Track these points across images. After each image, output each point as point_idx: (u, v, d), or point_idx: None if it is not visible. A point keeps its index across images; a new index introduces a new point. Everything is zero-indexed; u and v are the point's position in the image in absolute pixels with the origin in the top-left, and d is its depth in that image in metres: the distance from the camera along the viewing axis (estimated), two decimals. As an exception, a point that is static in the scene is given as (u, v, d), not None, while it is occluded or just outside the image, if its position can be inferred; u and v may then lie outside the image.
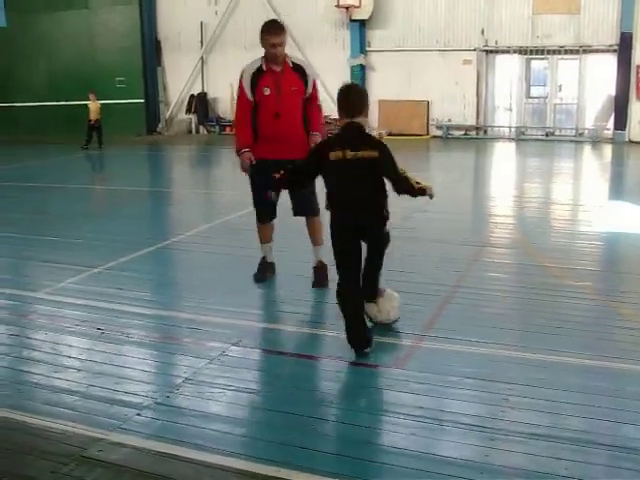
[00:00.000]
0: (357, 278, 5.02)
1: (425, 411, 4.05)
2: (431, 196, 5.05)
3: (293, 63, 6.49)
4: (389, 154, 4.86)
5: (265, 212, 6.65)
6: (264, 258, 6.85)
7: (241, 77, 6.45)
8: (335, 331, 5.25)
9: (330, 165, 4.88)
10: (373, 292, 5.22)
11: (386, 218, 5.03)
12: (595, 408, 4.08)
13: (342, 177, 4.88)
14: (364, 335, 4.93)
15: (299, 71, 6.48)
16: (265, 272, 6.80)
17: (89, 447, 3.70)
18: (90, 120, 21.52)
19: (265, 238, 6.81)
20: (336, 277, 5.09)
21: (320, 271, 6.56)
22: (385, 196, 4.98)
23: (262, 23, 6.49)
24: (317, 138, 6.42)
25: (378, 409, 4.20)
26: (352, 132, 4.87)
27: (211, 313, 5.84)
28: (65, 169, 17.75)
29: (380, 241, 5.12)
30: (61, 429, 3.91)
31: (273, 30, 6.31)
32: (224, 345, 5.12)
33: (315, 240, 6.64)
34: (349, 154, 4.78)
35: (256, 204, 6.67)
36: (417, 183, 4.95)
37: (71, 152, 20.94)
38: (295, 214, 6.62)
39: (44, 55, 26.85)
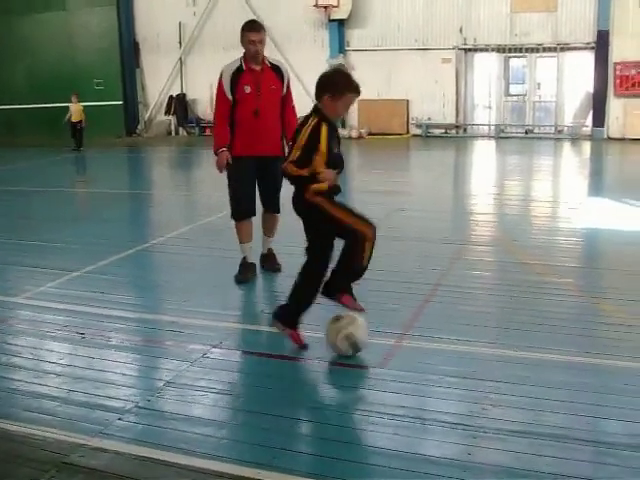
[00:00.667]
0: None
1: (407, 410, 4.04)
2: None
3: (271, 63, 6.64)
4: None
5: (241, 209, 6.72)
6: (244, 259, 6.85)
7: (221, 77, 6.54)
8: (316, 332, 5.24)
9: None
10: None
11: None
12: (577, 404, 4.09)
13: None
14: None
15: (277, 71, 6.66)
16: (247, 273, 6.80)
17: (70, 453, 3.67)
18: (72, 122, 21.53)
19: (244, 237, 6.83)
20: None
21: (272, 257, 7.06)
22: None
23: (241, 24, 6.58)
24: None
25: (360, 409, 4.18)
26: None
27: (192, 315, 5.81)
28: (45, 172, 17.61)
29: None
30: (42, 435, 3.87)
31: (254, 28, 6.49)
32: (205, 347, 5.10)
33: (273, 233, 7.02)
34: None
35: (233, 201, 6.74)
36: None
37: (50, 154, 20.82)
38: (267, 209, 6.88)
39: (23, 57, 26.68)
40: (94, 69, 25.64)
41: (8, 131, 26.30)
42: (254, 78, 6.48)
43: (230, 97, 6.48)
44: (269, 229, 7.00)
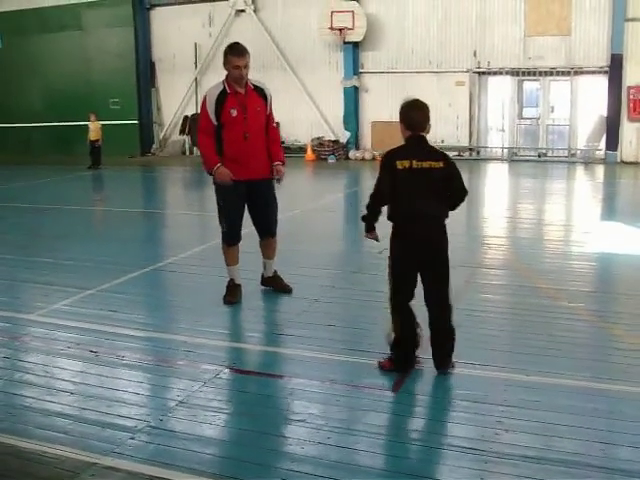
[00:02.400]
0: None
1: (419, 434, 4.05)
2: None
3: (254, 84, 6.65)
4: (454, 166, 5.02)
5: (234, 234, 6.76)
6: (232, 280, 6.89)
7: (204, 100, 6.57)
8: (330, 354, 5.25)
9: (399, 175, 4.85)
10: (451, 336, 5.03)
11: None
12: (588, 430, 4.08)
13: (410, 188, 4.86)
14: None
15: (260, 92, 6.66)
16: (236, 294, 6.84)
17: (82, 472, 3.68)
18: (90, 140, 21.82)
19: (233, 261, 6.88)
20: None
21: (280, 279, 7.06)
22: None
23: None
24: (280, 168, 6.67)
25: (372, 432, 4.17)
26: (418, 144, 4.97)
27: (205, 335, 5.83)
28: (59, 190, 17.73)
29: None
30: (54, 453, 3.89)
31: (238, 52, 6.47)
32: (218, 368, 5.11)
33: (273, 255, 7.00)
34: (415, 164, 4.84)
35: (227, 225, 6.75)
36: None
37: (65, 173, 20.98)
38: (263, 235, 6.89)
39: (38, 76, 26.96)
40: (110, 88, 25.84)
41: (24, 149, 26.55)
42: (239, 101, 6.47)
43: (215, 121, 6.46)
44: (269, 253, 6.99)
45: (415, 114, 4.95)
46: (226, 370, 5.08)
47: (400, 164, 4.81)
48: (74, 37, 26.47)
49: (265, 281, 7.12)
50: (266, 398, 4.73)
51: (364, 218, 5.05)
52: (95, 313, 6.53)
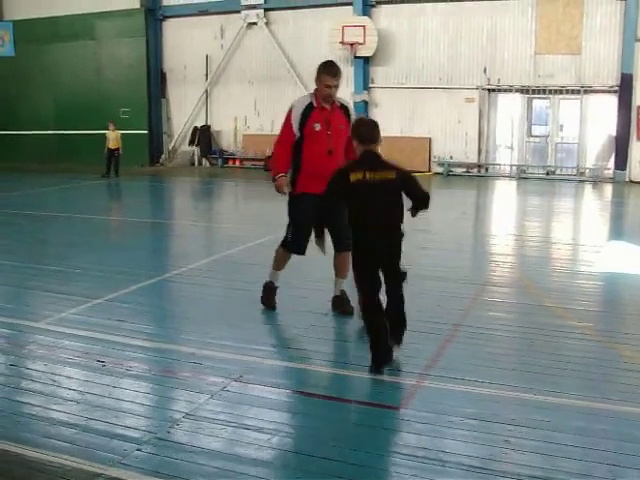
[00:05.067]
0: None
1: (427, 452, 4.03)
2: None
3: (340, 102, 6.71)
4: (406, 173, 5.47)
5: (300, 245, 6.71)
6: (272, 283, 6.91)
7: (290, 111, 6.62)
8: (338, 369, 5.24)
9: (353, 187, 5.28)
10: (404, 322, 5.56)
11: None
12: (596, 451, 4.05)
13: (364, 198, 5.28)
14: (390, 350, 5.32)
15: (345, 110, 6.73)
16: (274, 297, 6.89)
17: (88, 482, 3.68)
18: (110, 148, 21.92)
19: (282, 266, 6.91)
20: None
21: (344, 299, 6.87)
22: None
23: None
24: None
25: (381, 449, 4.16)
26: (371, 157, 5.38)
27: (212, 347, 5.83)
28: (69, 198, 17.82)
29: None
30: (60, 463, 3.88)
31: (332, 72, 6.49)
32: (225, 380, 5.11)
33: (346, 274, 6.74)
34: (369, 175, 5.24)
35: (294, 235, 6.72)
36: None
37: (75, 181, 21.05)
38: (338, 250, 6.72)
39: (50, 84, 27.13)
40: (121, 98, 25.96)
41: (35, 157, 26.65)
42: (324, 116, 6.55)
43: (297, 132, 6.55)
44: (342, 270, 6.76)
45: (365, 130, 5.47)
46: (234, 383, 5.07)
47: (353, 176, 5.25)
48: (87, 46, 26.64)
49: (333, 303, 6.94)
50: (274, 412, 4.72)
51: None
52: (103, 322, 6.53)
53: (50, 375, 5.29)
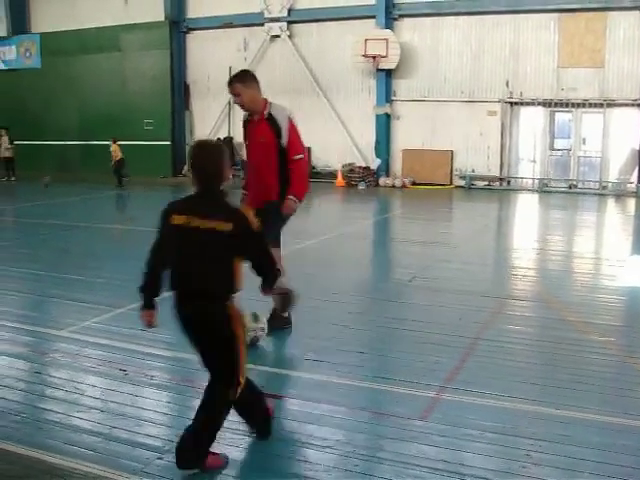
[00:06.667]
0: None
1: (447, 465, 4.03)
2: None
3: (269, 114, 6.30)
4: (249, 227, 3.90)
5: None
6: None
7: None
8: (359, 381, 5.25)
9: (174, 232, 3.99)
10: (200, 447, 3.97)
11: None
12: (617, 467, 4.04)
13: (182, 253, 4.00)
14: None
15: (271, 121, 6.28)
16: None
17: (110, 490, 3.72)
18: (117, 161, 22.80)
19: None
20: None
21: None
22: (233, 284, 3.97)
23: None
24: (290, 202, 6.31)
25: (400, 461, 4.17)
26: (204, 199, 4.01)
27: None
28: (91, 208, 17.98)
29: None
30: (82, 470, 3.93)
31: (230, 81, 6.24)
32: (245, 390, 5.13)
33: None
34: (194, 222, 3.90)
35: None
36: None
37: (97, 191, 21.25)
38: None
39: (75, 96, 27.42)
40: (145, 110, 26.19)
41: (58, 167, 26.93)
42: (250, 129, 6.44)
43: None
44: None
45: (196, 160, 4.03)
46: (254, 393, 5.09)
47: (177, 219, 3.95)
48: (112, 59, 26.91)
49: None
50: (293, 423, 4.75)
51: (141, 288, 4.18)
52: (125, 332, 6.59)
53: (73, 383, 5.35)
